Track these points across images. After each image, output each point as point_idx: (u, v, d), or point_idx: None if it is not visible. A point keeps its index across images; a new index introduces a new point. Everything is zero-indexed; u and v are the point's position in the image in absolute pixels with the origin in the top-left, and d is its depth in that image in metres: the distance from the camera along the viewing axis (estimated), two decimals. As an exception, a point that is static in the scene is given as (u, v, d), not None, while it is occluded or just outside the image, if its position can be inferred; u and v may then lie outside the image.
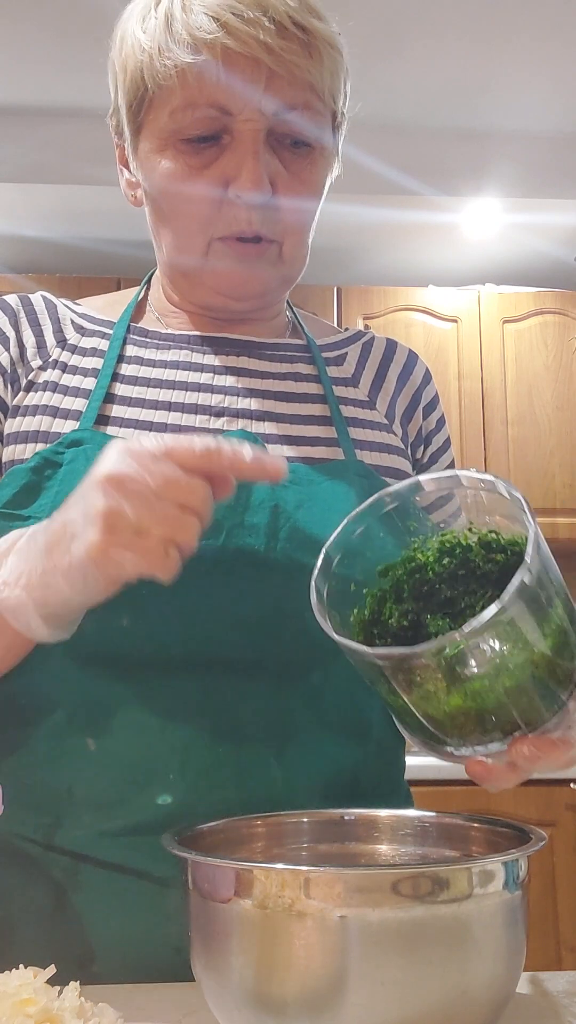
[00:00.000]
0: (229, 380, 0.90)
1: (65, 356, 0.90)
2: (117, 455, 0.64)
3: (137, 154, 0.88)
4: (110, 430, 0.85)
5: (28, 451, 0.85)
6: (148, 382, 0.89)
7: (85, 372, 0.89)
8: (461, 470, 0.70)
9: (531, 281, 3.57)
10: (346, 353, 0.99)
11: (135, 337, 0.93)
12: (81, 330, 0.93)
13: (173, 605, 0.77)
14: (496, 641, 0.60)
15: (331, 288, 3.34)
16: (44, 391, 0.88)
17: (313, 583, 0.67)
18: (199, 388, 0.89)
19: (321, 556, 0.69)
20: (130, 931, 0.76)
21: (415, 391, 0.99)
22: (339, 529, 0.71)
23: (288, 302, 1.00)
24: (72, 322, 0.93)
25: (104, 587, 0.66)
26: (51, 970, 0.59)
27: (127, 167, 0.92)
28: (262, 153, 0.82)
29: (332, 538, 0.70)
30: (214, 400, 0.88)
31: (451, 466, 1.01)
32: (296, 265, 0.90)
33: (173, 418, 0.87)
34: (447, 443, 1.01)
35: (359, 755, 0.84)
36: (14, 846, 0.80)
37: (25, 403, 0.88)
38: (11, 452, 0.86)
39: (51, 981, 0.59)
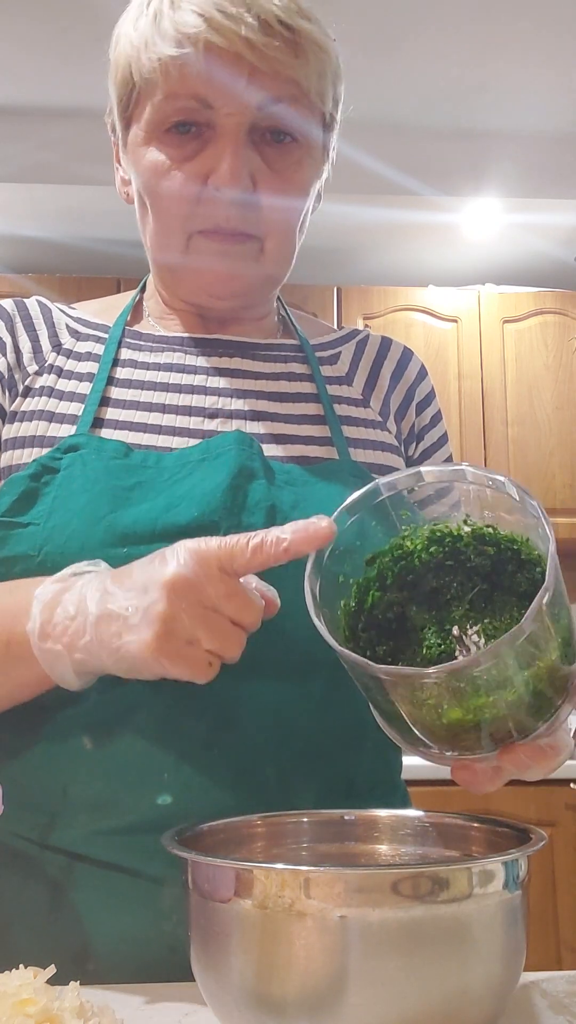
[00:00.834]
0: (222, 381, 0.90)
1: (61, 360, 0.91)
2: (185, 556, 0.65)
3: (126, 149, 0.89)
4: (105, 433, 0.85)
5: (26, 456, 0.85)
6: (142, 385, 0.89)
7: (80, 376, 0.90)
8: (468, 465, 0.68)
9: (531, 281, 3.57)
10: (340, 352, 0.99)
11: (129, 340, 0.93)
12: (76, 334, 0.93)
13: None
14: (509, 660, 0.58)
15: (331, 288, 3.34)
16: (40, 396, 0.89)
17: (307, 582, 0.65)
18: (192, 390, 0.89)
19: (313, 552, 0.66)
20: (125, 929, 0.76)
21: (408, 388, 0.99)
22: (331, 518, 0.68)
23: (281, 302, 1.01)
24: (67, 326, 0.94)
25: (143, 676, 0.68)
26: (51, 970, 0.59)
27: (121, 164, 0.93)
28: (242, 148, 0.83)
29: None
30: (208, 402, 0.89)
31: (449, 461, 1.01)
32: (281, 265, 0.90)
33: (167, 420, 0.87)
34: (443, 439, 1.01)
35: (355, 756, 0.83)
36: (11, 845, 0.80)
37: (23, 408, 0.88)
38: (9, 457, 0.87)
39: (50, 981, 0.59)
